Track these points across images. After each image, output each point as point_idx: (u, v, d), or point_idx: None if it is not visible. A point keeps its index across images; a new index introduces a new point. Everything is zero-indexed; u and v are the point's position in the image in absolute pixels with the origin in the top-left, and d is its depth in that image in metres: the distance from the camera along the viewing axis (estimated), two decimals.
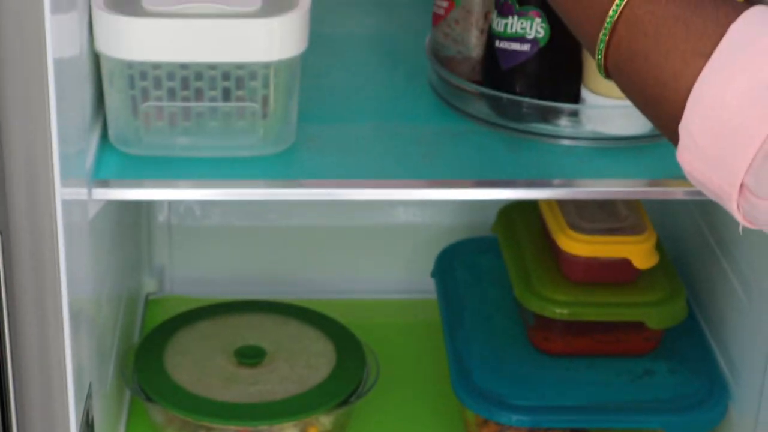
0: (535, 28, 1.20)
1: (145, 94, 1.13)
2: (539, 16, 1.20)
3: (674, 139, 0.80)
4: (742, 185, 0.76)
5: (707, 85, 0.77)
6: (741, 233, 0.82)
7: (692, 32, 0.79)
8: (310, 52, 1.17)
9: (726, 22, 0.78)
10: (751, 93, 0.74)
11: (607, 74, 0.86)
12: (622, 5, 0.83)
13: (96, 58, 1.13)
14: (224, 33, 1.11)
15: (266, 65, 1.13)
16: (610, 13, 0.83)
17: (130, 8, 1.12)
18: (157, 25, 1.10)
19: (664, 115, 0.80)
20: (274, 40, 1.12)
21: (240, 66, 1.12)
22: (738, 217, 0.78)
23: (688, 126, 0.77)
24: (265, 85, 1.14)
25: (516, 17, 1.21)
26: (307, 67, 1.29)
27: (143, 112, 1.14)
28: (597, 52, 0.85)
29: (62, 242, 0.99)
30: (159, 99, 1.14)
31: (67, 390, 1.02)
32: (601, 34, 0.84)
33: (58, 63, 0.98)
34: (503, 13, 1.22)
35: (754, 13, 0.78)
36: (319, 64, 1.36)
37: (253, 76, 1.13)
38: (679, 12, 0.80)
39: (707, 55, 0.77)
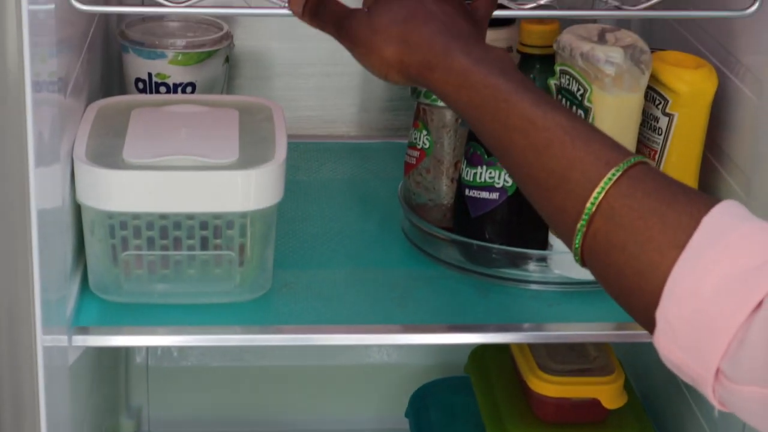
0: (503, 177, 1.24)
1: (124, 244, 1.16)
2: None
3: (649, 325, 0.83)
4: (717, 370, 0.79)
5: (682, 276, 0.80)
6: (717, 415, 0.85)
7: (668, 225, 0.82)
8: (286, 199, 1.21)
9: (699, 215, 0.81)
10: (724, 283, 0.78)
11: (583, 262, 0.89)
12: (600, 198, 0.86)
13: (77, 209, 1.17)
14: (202, 184, 1.14)
15: (243, 215, 1.16)
16: (588, 205, 0.86)
17: (111, 160, 1.15)
18: (136, 177, 1.14)
19: (641, 303, 0.84)
20: (250, 191, 1.16)
21: (217, 216, 1.16)
22: (713, 401, 0.81)
23: (665, 313, 0.81)
24: (242, 234, 1.17)
25: (485, 167, 1.25)
26: (283, 214, 1.33)
27: (123, 261, 1.17)
28: (574, 241, 0.87)
29: (42, 387, 1.01)
30: (138, 248, 1.17)
31: None
32: (578, 224, 0.87)
33: (42, 213, 1.01)
34: (472, 162, 1.26)
35: (725, 206, 0.82)
36: (295, 210, 1.40)
37: (230, 225, 1.17)
38: (655, 206, 0.84)
39: (682, 247, 0.81)
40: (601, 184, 0.86)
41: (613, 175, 0.86)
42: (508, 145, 0.92)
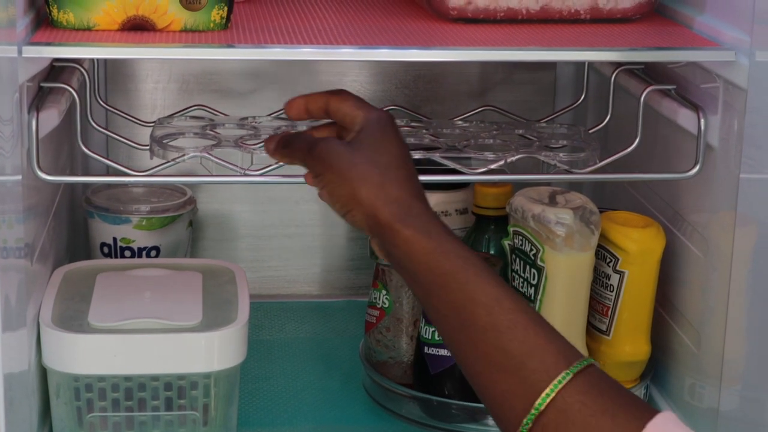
0: None
1: (90, 406, 1.18)
2: None
3: None
4: None
5: None
6: None
7: (618, 426, 0.85)
8: (249, 358, 1.23)
9: (645, 418, 0.85)
10: None
11: None
12: (555, 391, 0.87)
13: (43, 372, 1.18)
14: (166, 347, 1.17)
15: (207, 375, 1.18)
16: (543, 395, 0.87)
17: (77, 324, 1.17)
18: (102, 340, 1.16)
19: None
20: (214, 352, 1.18)
21: (181, 377, 1.18)
22: None
23: None
24: (206, 394, 1.19)
25: None
26: (246, 373, 1.35)
27: (88, 423, 1.19)
28: (520, 429, 0.88)
29: None
30: (104, 410, 1.18)
31: None
32: (529, 413, 0.88)
33: (8, 378, 1.03)
34: (431, 321, 1.29)
35: (666, 416, 0.86)
36: (258, 369, 1.41)
37: (194, 386, 1.19)
38: (608, 406, 0.86)
39: None
40: (559, 377, 0.87)
41: (573, 370, 0.88)
42: (466, 318, 0.91)
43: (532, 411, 0.87)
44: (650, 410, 0.86)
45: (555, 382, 0.87)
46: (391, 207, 0.96)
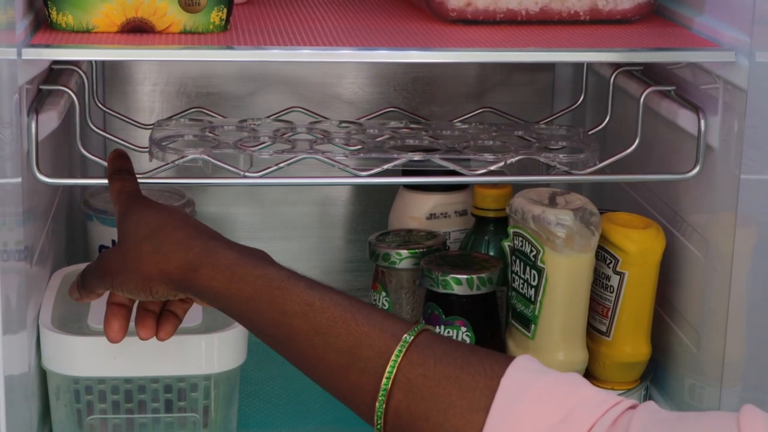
0: (461, 336, 1.27)
1: (90, 408, 1.18)
2: (464, 326, 1.27)
3: None
4: None
5: None
6: None
7: (465, 389, 0.83)
8: (249, 361, 1.23)
9: (495, 374, 0.83)
10: None
11: None
12: (394, 371, 0.86)
13: (42, 375, 1.18)
14: (166, 349, 1.16)
15: (207, 377, 1.18)
16: (384, 380, 0.86)
17: (76, 327, 1.17)
18: (101, 342, 1.15)
19: None
20: (213, 354, 1.18)
21: (181, 379, 1.18)
22: None
23: None
24: (206, 396, 1.19)
25: (443, 326, 1.28)
26: (246, 375, 1.35)
27: (88, 425, 1.18)
28: (376, 420, 0.87)
29: None
30: (104, 412, 1.18)
31: None
32: (377, 402, 0.86)
33: (8, 380, 1.03)
34: (431, 322, 1.29)
35: (520, 361, 0.84)
36: (258, 371, 1.41)
37: (194, 387, 1.19)
38: (450, 371, 0.84)
39: (485, 409, 0.82)
40: (393, 357, 0.86)
41: (403, 346, 0.87)
42: (288, 331, 0.91)
43: (379, 398, 0.86)
44: (500, 362, 0.84)
45: (390, 363, 0.86)
46: (175, 260, 0.98)
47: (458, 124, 1.37)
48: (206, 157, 1.18)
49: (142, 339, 1.05)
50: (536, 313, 1.25)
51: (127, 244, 1.01)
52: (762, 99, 1.11)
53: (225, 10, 1.15)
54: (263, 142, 1.24)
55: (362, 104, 1.61)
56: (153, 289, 1.00)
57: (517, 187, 1.32)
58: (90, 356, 1.16)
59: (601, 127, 1.36)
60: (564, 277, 1.24)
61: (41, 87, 1.19)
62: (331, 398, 1.36)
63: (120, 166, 1.13)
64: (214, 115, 1.37)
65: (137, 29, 1.14)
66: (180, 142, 1.24)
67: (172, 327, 1.06)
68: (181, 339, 1.17)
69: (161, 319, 1.06)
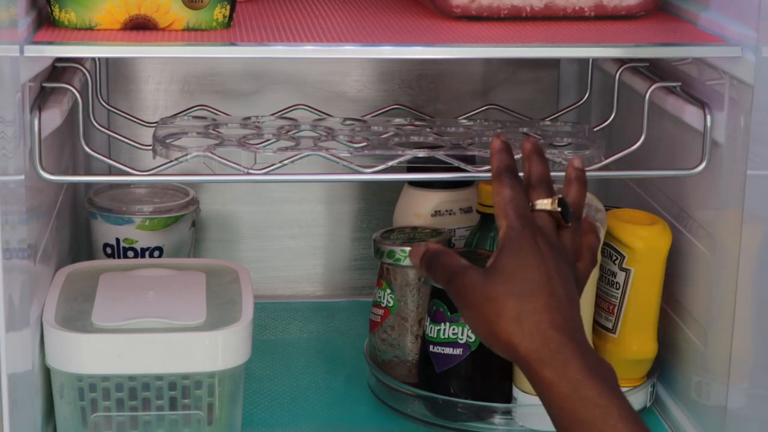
0: (466, 333, 1.27)
1: (94, 406, 1.18)
2: None
3: None
4: None
5: None
6: None
7: None
8: (254, 358, 1.23)
9: None
10: None
11: None
12: None
13: (46, 372, 1.18)
14: (170, 346, 1.16)
15: (211, 375, 1.18)
16: None
17: (80, 324, 1.17)
18: (105, 340, 1.16)
19: None
20: (218, 352, 1.18)
21: (186, 376, 1.18)
22: None
23: None
24: (211, 394, 1.19)
25: (448, 323, 1.27)
26: (251, 373, 1.35)
27: (92, 423, 1.18)
28: None
29: None
30: (108, 410, 1.18)
31: None
32: None
33: (12, 378, 1.03)
34: (436, 319, 1.28)
35: None
36: (262, 369, 1.41)
37: (198, 385, 1.18)
38: None
39: None
40: None
41: None
42: None
43: None
44: None
45: None
46: (529, 342, 0.95)
47: (463, 121, 1.37)
48: (210, 154, 1.18)
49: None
50: None
51: (495, 291, 0.97)
52: None
53: (228, 7, 1.15)
54: (267, 140, 1.23)
55: (367, 102, 1.61)
56: (493, 347, 0.98)
57: None
58: (94, 354, 1.16)
59: (606, 123, 1.36)
60: None
61: (44, 84, 1.18)
62: (335, 396, 1.37)
63: (506, 164, 1.05)
64: (217, 112, 1.37)
65: (140, 26, 1.14)
66: (184, 140, 1.24)
67: None
68: (185, 336, 1.16)
69: None
